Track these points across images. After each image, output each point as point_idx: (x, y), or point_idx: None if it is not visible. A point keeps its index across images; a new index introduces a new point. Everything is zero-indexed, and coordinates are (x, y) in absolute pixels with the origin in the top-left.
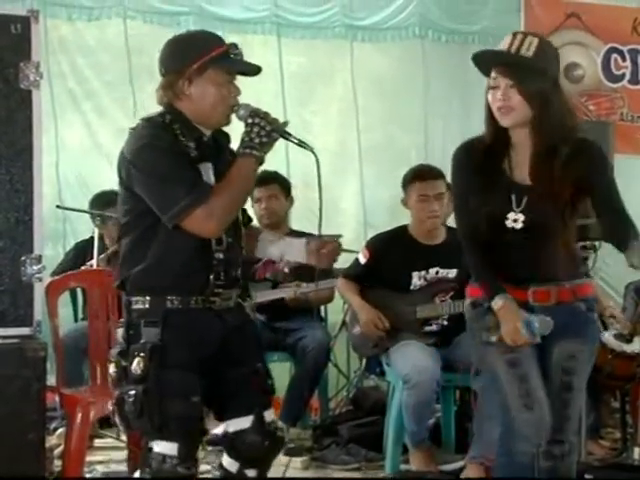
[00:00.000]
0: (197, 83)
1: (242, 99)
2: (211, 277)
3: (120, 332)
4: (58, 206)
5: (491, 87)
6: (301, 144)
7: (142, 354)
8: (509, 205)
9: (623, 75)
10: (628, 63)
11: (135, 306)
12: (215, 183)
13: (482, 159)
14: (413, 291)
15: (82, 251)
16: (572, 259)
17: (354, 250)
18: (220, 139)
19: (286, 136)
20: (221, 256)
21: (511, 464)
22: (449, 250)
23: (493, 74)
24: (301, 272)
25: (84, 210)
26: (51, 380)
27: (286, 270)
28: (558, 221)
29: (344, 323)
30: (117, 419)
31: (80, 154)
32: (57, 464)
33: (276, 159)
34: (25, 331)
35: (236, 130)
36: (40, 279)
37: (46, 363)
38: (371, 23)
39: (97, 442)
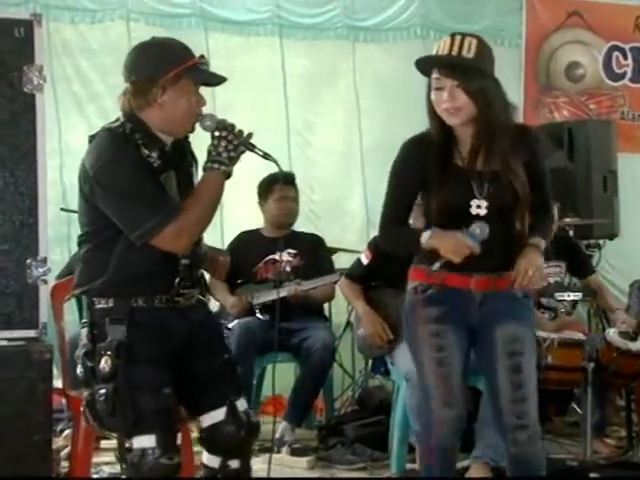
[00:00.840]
0: (170, 91)
1: (245, 100)
2: (176, 281)
3: (84, 332)
4: (62, 209)
5: (435, 88)
6: (266, 156)
7: (109, 352)
8: (471, 192)
9: (624, 73)
10: (630, 61)
11: (98, 306)
12: (178, 191)
13: (433, 152)
14: None
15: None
16: (518, 249)
17: (358, 250)
18: (180, 143)
19: (251, 148)
20: (186, 262)
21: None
22: None
23: (436, 75)
24: (302, 270)
25: None
26: (59, 382)
27: (288, 269)
28: (515, 206)
29: (349, 323)
30: (89, 419)
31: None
32: (64, 465)
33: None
34: (31, 333)
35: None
36: (45, 281)
37: (52, 365)
38: (373, 24)
39: (103, 443)
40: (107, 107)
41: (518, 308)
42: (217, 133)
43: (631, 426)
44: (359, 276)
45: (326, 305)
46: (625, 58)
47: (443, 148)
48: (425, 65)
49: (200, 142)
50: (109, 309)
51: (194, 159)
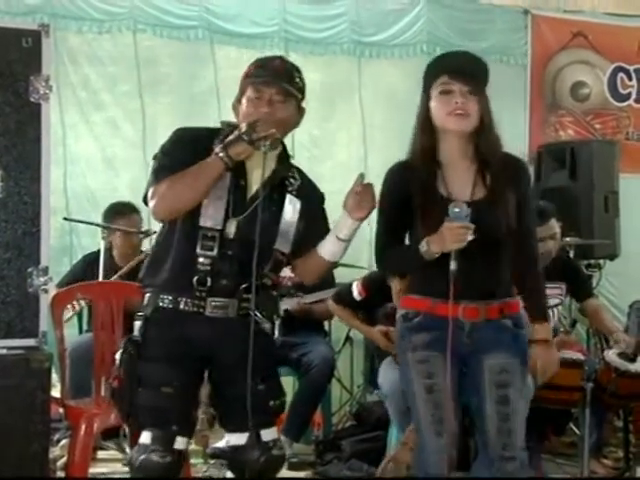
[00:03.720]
0: (243, 97)
1: None
2: (194, 280)
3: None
4: (65, 218)
5: (442, 92)
6: (256, 146)
7: (123, 346)
8: None
9: (629, 94)
10: (634, 82)
11: (144, 300)
12: (238, 199)
13: (417, 181)
14: None
15: (90, 264)
16: (505, 277)
17: (359, 266)
18: (283, 173)
19: (264, 145)
20: (207, 261)
21: None
22: None
23: (444, 79)
24: (304, 286)
25: (91, 222)
26: (56, 392)
27: (289, 284)
28: (502, 233)
29: (348, 338)
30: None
31: (88, 167)
32: (59, 475)
33: None
34: (31, 342)
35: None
36: (46, 291)
37: (51, 374)
38: (379, 39)
39: (100, 454)
40: (113, 116)
41: (507, 338)
42: (242, 125)
43: (628, 447)
44: (349, 304)
45: None
46: (630, 79)
47: (426, 175)
48: (437, 68)
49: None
50: (143, 305)
51: (294, 192)
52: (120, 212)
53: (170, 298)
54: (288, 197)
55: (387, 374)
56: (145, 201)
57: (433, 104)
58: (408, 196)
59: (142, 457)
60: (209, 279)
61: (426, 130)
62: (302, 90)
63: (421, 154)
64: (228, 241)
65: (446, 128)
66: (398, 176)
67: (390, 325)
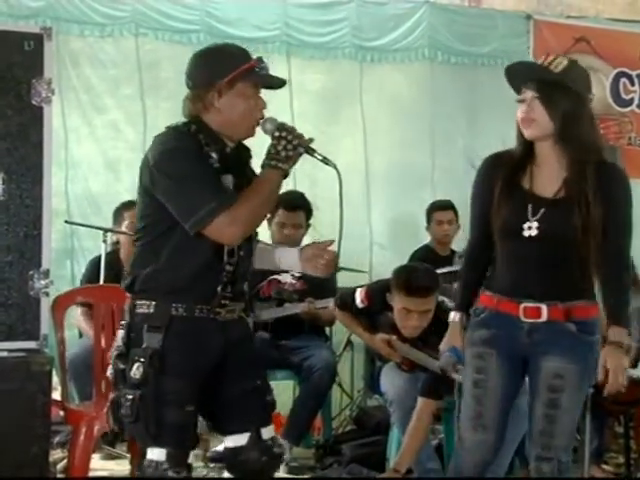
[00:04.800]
0: (227, 96)
1: None
2: (219, 288)
3: (120, 334)
4: (67, 221)
5: (519, 101)
6: (325, 160)
7: (142, 359)
8: (525, 214)
9: (632, 100)
10: (637, 87)
11: (139, 310)
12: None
13: (505, 172)
14: None
15: (97, 267)
16: (580, 279)
17: (362, 270)
18: (242, 153)
19: (311, 152)
20: (231, 268)
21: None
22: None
23: (523, 89)
24: (306, 289)
25: (93, 225)
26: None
27: (291, 288)
28: (575, 235)
29: (349, 342)
30: (110, 421)
31: (90, 170)
32: (59, 477)
33: (283, 183)
34: (32, 345)
35: (259, 144)
36: (47, 293)
37: (52, 377)
38: (381, 44)
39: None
40: (114, 119)
41: (567, 342)
42: (277, 134)
43: (629, 453)
44: (351, 310)
45: None
46: (632, 84)
47: (516, 167)
48: (513, 74)
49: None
50: (149, 315)
51: (252, 172)
52: (127, 206)
53: (185, 306)
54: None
55: (392, 379)
56: (198, 229)
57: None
58: (493, 186)
59: (157, 473)
60: (229, 286)
61: (518, 131)
62: None
63: (518, 149)
64: (240, 243)
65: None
66: (489, 165)
67: (393, 334)
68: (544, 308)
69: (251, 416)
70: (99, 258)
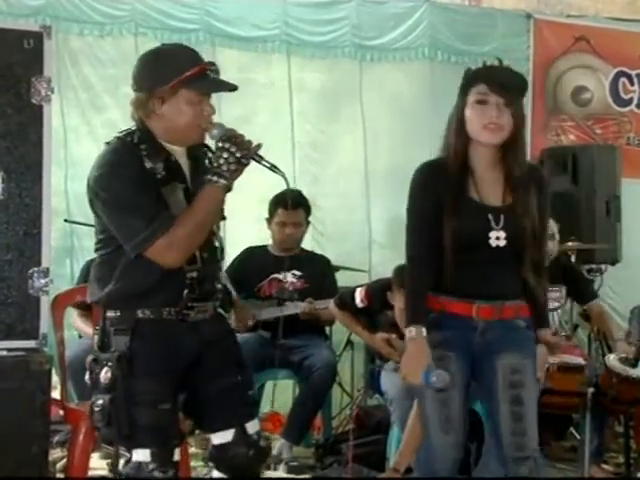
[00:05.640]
0: (170, 102)
1: (250, 115)
2: (185, 292)
3: (95, 339)
4: (66, 220)
5: (478, 101)
6: (273, 169)
7: (110, 363)
8: (488, 224)
9: (631, 99)
10: (636, 87)
11: (108, 314)
12: (187, 203)
13: (449, 182)
14: None
15: None
16: (519, 279)
17: (361, 269)
18: (196, 154)
19: (258, 160)
20: (193, 274)
21: None
22: None
23: (482, 89)
24: (306, 289)
25: (93, 224)
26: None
27: (291, 288)
28: (529, 238)
29: (349, 342)
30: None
31: (89, 169)
32: (59, 477)
33: (283, 182)
34: (31, 344)
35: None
36: (47, 292)
37: (51, 376)
38: (380, 43)
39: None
40: (113, 119)
41: (520, 338)
42: (220, 144)
43: (629, 453)
44: (350, 309)
45: None
46: (632, 84)
47: (458, 176)
48: (477, 76)
49: None
50: (116, 318)
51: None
52: None
53: (152, 309)
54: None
55: (392, 379)
56: (137, 253)
57: (468, 112)
58: (438, 193)
59: (143, 475)
60: (197, 289)
61: (460, 135)
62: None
63: (454, 157)
64: (203, 246)
65: (479, 140)
66: (428, 176)
67: (393, 333)
68: (497, 307)
69: (234, 412)
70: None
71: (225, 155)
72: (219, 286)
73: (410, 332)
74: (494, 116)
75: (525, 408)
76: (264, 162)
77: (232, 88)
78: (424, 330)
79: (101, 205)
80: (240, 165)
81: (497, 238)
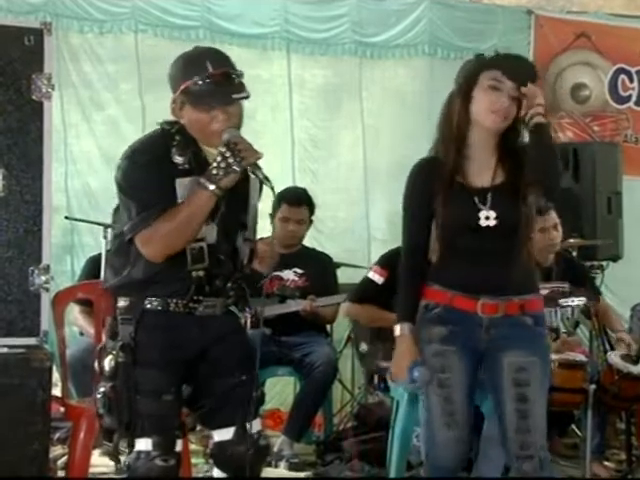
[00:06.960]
0: (186, 108)
1: (250, 113)
2: (192, 287)
3: (107, 329)
4: (67, 217)
5: (493, 87)
6: (265, 180)
7: (114, 351)
8: (475, 205)
9: (629, 96)
10: (635, 84)
11: (119, 303)
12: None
13: (441, 175)
14: None
15: (94, 265)
16: (527, 273)
17: (361, 266)
18: None
19: (251, 169)
20: (200, 273)
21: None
22: None
23: (497, 74)
24: (308, 286)
25: (93, 221)
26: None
27: (293, 285)
28: (522, 218)
29: (349, 339)
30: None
31: (89, 166)
32: (60, 475)
33: (283, 179)
34: (32, 341)
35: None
36: (47, 289)
37: (52, 373)
38: (381, 40)
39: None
40: (113, 116)
41: (527, 335)
42: (223, 149)
43: (631, 449)
44: (371, 297)
45: None
46: (631, 81)
47: (451, 168)
48: (492, 62)
49: None
50: (124, 308)
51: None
52: None
53: (159, 300)
54: (250, 178)
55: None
56: (130, 240)
57: (479, 94)
58: (431, 192)
59: (145, 464)
60: (206, 286)
61: (463, 121)
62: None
63: (453, 144)
64: (214, 246)
65: (483, 123)
66: (423, 171)
67: None
68: (501, 303)
69: (236, 410)
70: (96, 256)
71: (218, 159)
72: (231, 285)
73: (398, 330)
74: (505, 105)
75: (530, 406)
76: (257, 173)
77: (227, 102)
78: (411, 326)
79: (117, 187)
80: (229, 172)
81: (487, 218)
